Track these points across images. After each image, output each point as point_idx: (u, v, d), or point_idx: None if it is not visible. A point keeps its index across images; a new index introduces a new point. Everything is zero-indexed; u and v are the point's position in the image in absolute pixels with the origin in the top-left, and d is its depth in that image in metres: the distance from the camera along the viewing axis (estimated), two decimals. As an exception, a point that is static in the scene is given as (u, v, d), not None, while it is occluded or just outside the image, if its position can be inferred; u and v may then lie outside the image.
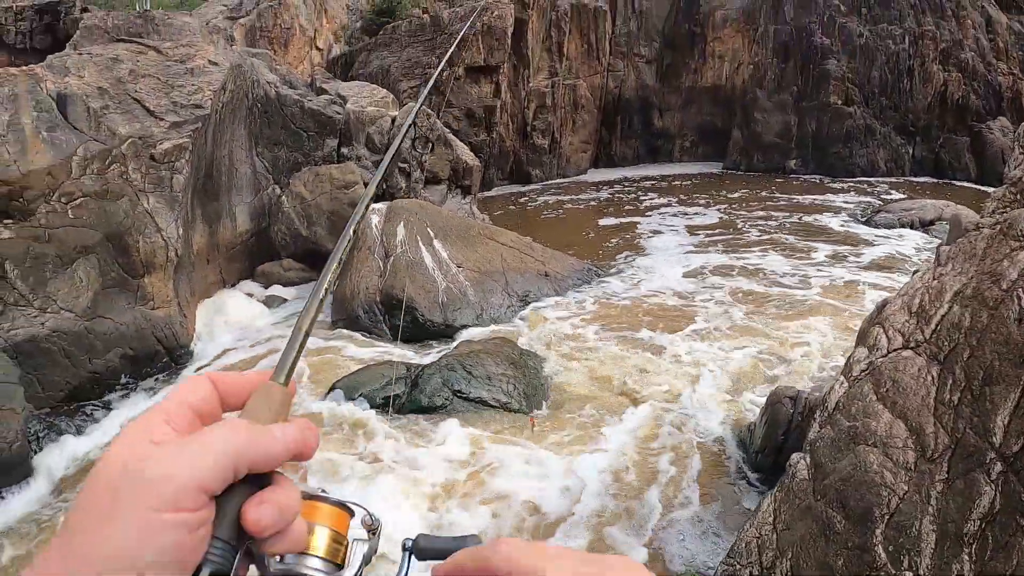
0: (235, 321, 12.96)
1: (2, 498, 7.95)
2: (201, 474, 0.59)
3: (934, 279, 6.42)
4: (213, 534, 0.60)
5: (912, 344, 6.01)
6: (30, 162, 10.26)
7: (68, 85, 11.41)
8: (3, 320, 9.63)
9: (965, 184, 25.67)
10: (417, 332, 12.09)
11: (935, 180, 26.40)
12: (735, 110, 28.86)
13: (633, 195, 24.87)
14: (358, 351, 11.44)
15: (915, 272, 7.97)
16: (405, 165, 16.80)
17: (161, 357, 11.40)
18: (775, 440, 7.97)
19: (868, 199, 23.22)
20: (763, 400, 8.72)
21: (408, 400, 9.51)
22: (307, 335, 0.75)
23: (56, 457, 8.80)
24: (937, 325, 5.90)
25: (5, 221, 9.95)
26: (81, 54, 12.54)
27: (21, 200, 10.07)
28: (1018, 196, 6.22)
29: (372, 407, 9.38)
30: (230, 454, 0.61)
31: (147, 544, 0.57)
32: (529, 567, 0.61)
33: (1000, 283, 5.45)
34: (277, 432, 0.66)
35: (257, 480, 0.64)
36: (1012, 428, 4.76)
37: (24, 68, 11.68)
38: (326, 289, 0.83)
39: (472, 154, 18.37)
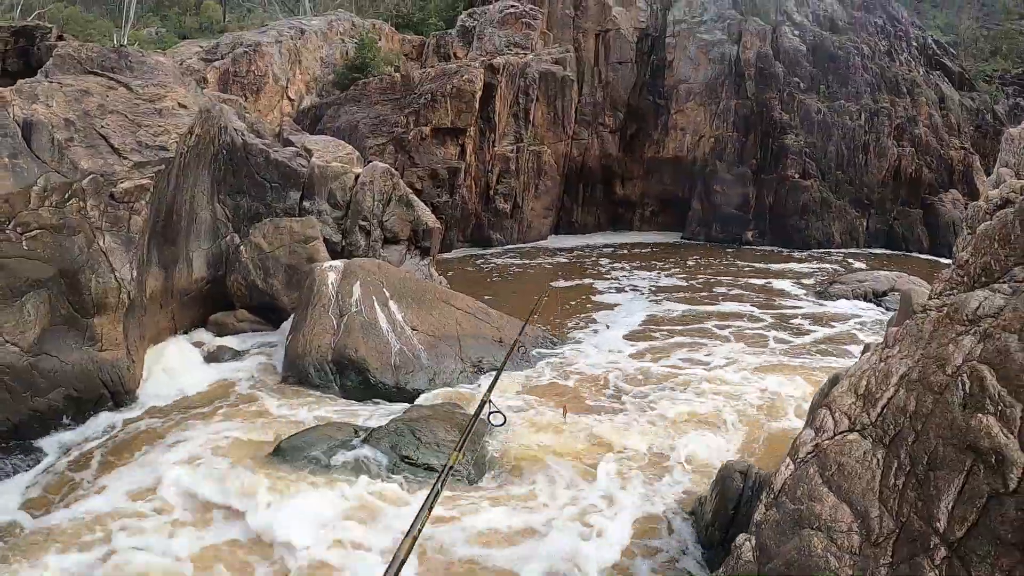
0: (175, 371, 12.61)
1: None
2: None
3: (881, 361, 6.48)
4: None
5: (858, 427, 6.02)
6: None
7: (35, 112, 11.23)
8: None
9: (918, 255, 26.56)
10: (368, 392, 11.90)
11: (889, 251, 27.23)
12: (695, 181, 29.49)
13: (592, 261, 25.08)
14: (304, 411, 11.20)
15: (864, 350, 8.05)
16: (365, 223, 16.77)
17: (106, 401, 11.07)
18: (725, 515, 7.88)
19: (822, 270, 23.67)
20: (709, 474, 8.67)
21: (356, 465, 9.27)
22: (410, 551, 0.87)
23: None
24: (883, 408, 5.93)
25: None
26: (51, 82, 12.38)
27: None
28: (964, 279, 6.33)
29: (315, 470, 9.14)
30: None
31: None
32: None
33: (945, 368, 5.50)
34: None
35: None
36: (956, 513, 4.75)
37: (-7, 90, 11.48)
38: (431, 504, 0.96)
39: (433, 216, 18.43)
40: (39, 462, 9.63)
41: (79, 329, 10.83)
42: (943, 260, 22.25)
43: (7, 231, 10.11)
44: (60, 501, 8.68)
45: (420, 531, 0.92)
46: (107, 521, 8.18)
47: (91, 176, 11.19)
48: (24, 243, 10.24)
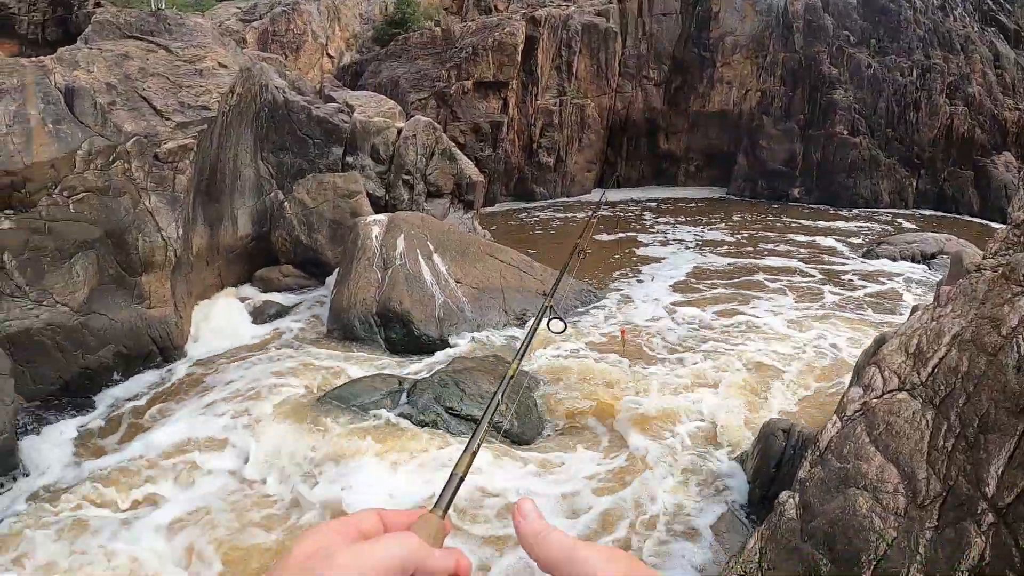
0: (222, 327, 12.88)
1: None
2: (376, 572, 0.70)
3: (933, 320, 6.37)
4: None
5: (908, 387, 5.94)
6: (34, 154, 10.23)
7: (77, 79, 11.40)
8: None
9: (968, 218, 25.67)
10: (412, 345, 12.04)
11: (938, 213, 26.41)
12: (741, 136, 28.92)
13: (636, 215, 24.91)
14: (349, 363, 11.38)
15: (913, 311, 7.92)
16: (409, 177, 16.80)
17: (155, 357, 11.35)
18: (767, 473, 7.88)
19: (870, 229, 23.19)
20: (754, 428, 8.66)
21: (400, 415, 9.43)
22: (463, 479, 0.94)
23: (44, 453, 8.74)
24: (934, 369, 5.84)
25: (6, 212, 9.90)
26: (91, 49, 12.55)
27: (23, 191, 10.04)
28: (1021, 238, 6.18)
29: (361, 419, 9.31)
30: (401, 558, 0.72)
31: None
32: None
33: (1000, 329, 5.39)
34: (437, 552, 0.78)
35: None
36: (1006, 479, 4.68)
37: (34, 59, 11.67)
38: (481, 439, 1.04)
39: (476, 169, 18.38)
40: (90, 416, 9.93)
41: (127, 288, 11.08)
42: (994, 224, 21.52)
43: (54, 195, 10.34)
44: (110, 452, 8.96)
45: (479, 446, 0.98)
46: (155, 468, 8.47)
47: (135, 138, 11.36)
48: (71, 206, 10.48)
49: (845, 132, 27.21)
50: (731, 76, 29.08)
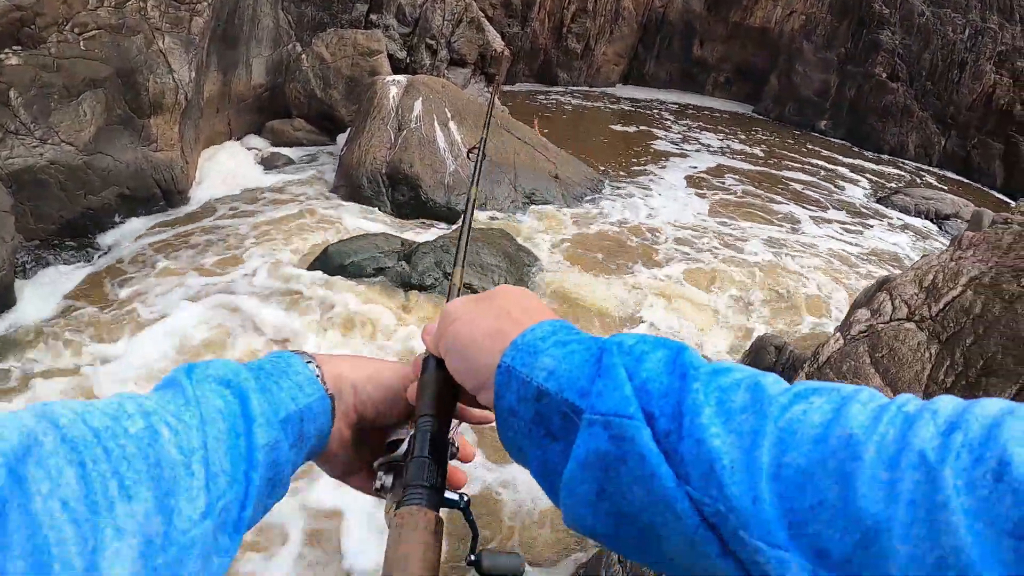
0: (228, 174, 12.64)
1: None
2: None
3: (951, 260, 6.23)
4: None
5: (916, 318, 5.86)
6: None
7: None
8: (1, 148, 9.21)
9: (990, 190, 24.95)
10: (417, 210, 11.88)
11: (961, 179, 25.67)
12: (778, 56, 27.94)
13: (658, 115, 24.34)
14: (353, 219, 11.24)
15: (924, 256, 7.75)
16: (432, 42, 16.21)
17: (158, 200, 11.14)
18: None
19: (889, 175, 22.73)
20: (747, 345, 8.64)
21: (398, 276, 9.35)
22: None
23: (40, 292, 8.67)
24: (946, 305, 5.75)
25: (14, 48, 9.39)
26: None
27: (33, 27, 9.50)
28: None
29: (359, 276, 9.24)
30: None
31: None
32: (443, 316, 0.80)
33: (1021, 280, 5.29)
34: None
35: None
36: (1001, 420, 4.66)
37: None
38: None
39: (503, 43, 17.72)
40: (91, 258, 9.80)
41: (134, 129, 10.74)
42: (1013, 202, 20.99)
43: (64, 32, 9.82)
44: (109, 293, 8.88)
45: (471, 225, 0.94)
46: (151, 309, 8.45)
47: (152, -25, 10.80)
48: (82, 44, 9.98)
49: (884, 75, 26.21)
50: (779, -8, 27.87)
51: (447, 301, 0.96)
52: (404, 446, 0.83)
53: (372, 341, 8.13)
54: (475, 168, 1.56)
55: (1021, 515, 0.42)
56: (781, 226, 14.59)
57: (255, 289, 8.91)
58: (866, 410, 0.53)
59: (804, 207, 16.60)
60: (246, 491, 0.69)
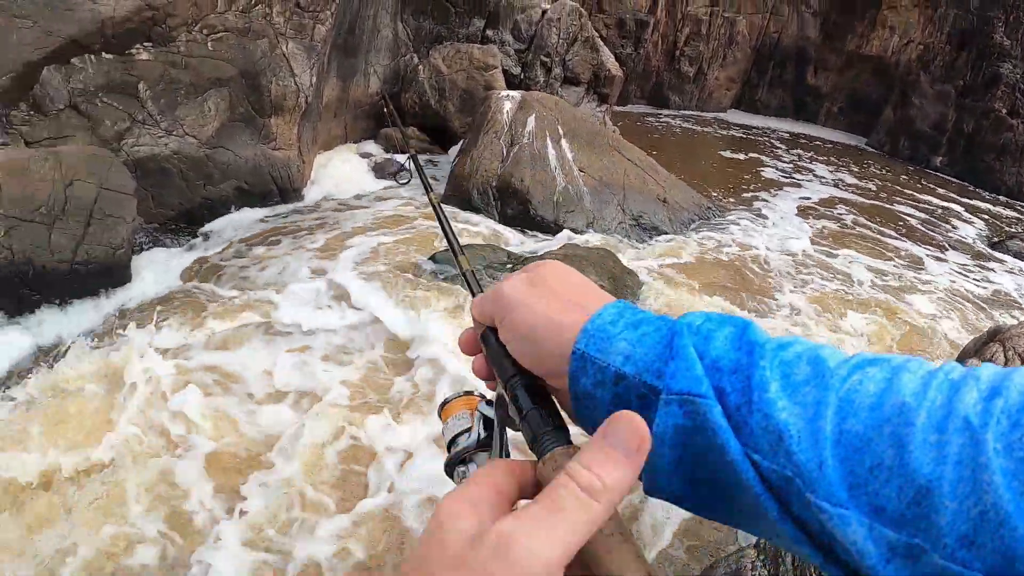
0: (342, 176, 13.16)
1: (100, 297, 8.42)
2: (567, 550, 0.54)
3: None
4: None
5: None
6: None
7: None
8: (129, 136, 9.91)
9: None
10: (525, 224, 12.02)
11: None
12: (893, 88, 27.03)
13: (770, 144, 23.87)
14: (464, 227, 11.45)
15: None
16: (547, 60, 16.40)
17: (273, 196, 11.71)
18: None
19: (1009, 219, 21.52)
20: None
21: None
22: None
23: (154, 270, 9.25)
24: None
25: (145, 44, 10.05)
26: None
27: (164, 26, 10.13)
28: None
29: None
30: (591, 523, 0.55)
31: None
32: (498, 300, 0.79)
33: None
34: None
35: None
36: None
37: None
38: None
39: (617, 64, 17.77)
40: (205, 242, 10.37)
41: (255, 127, 11.31)
42: None
43: (193, 32, 10.42)
44: (221, 276, 9.35)
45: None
46: (263, 295, 8.83)
47: (279, -17, 11.35)
48: (209, 44, 10.58)
49: (1004, 110, 24.88)
50: (895, 21, 26.93)
51: (467, 287, 1.06)
52: (471, 435, 0.83)
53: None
54: (412, 174, 1.74)
55: None
56: (893, 261, 14.07)
57: (364, 277, 9.19)
58: (916, 378, 0.59)
59: (918, 244, 15.97)
60: None
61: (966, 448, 0.52)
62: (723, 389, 0.63)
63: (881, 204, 19.05)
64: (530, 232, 11.91)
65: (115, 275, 8.62)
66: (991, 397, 0.54)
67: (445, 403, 0.89)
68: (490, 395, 0.88)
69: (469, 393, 0.90)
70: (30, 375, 6.93)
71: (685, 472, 0.66)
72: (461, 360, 7.79)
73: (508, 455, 0.80)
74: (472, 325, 0.86)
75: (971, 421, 0.53)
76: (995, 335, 6.44)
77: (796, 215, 15.80)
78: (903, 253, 15.05)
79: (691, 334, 0.67)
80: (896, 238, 15.94)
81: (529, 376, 0.76)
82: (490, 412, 0.85)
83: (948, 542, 0.50)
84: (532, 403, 0.74)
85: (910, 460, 0.54)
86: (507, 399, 0.78)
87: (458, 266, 1.17)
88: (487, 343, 0.83)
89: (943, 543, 0.51)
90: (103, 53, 9.67)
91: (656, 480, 0.68)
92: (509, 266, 9.86)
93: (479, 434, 0.84)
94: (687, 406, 0.64)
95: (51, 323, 7.88)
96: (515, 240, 11.52)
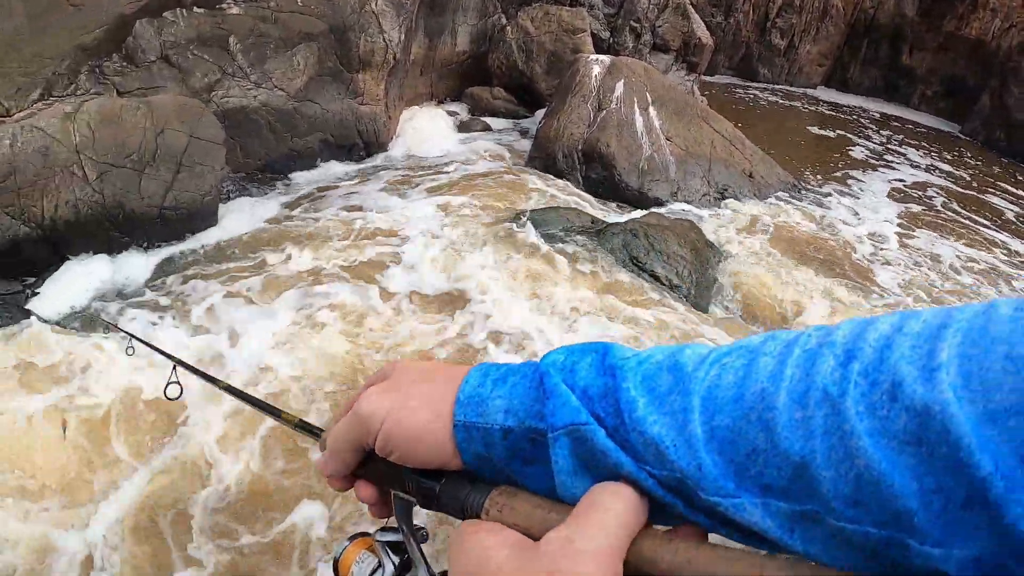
0: (427, 133, 13.24)
1: (188, 239, 8.78)
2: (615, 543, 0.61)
3: None
4: None
5: None
6: None
7: None
8: (219, 87, 10.15)
9: None
10: (609, 191, 11.95)
11: None
12: (992, 73, 25.82)
13: (860, 124, 23.15)
14: (547, 189, 11.43)
15: None
16: (637, 25, 16.15)
17: (359, 150, 11.91)
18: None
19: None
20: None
21: (585, 249, 9.45)
22: None
23: (240, 216, 9.56)
24: None
25: None
26: None
27: None
28: None
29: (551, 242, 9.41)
30: (627, 527, 0.63)
31: None
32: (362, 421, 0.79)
33: None
34: None
35: None
36: None
37: None
38: None
39: (707, 32, 17.40)
40: (289, 190, 10.67)
41: (343, 82, 11.47)
42: None
43: None
44: (307, 214, 9.60)
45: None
46: (353, 228, 9.12)
47: (368, -60, 11.38)
48: (300, 0, 10.70)
49: None
50: (997, 3, 25.60)
51: (306, 433, 1.08)
52: (385, 570, 0.83)
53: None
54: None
55: (916, 425, 0.49)
56: (990, 252, 13.57)
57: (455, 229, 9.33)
58: (772, 360, 0.61)
59: (1014, 238, 15.36)
60: None
61: (830, 418, 0.53)
62: (599, 415, 0.66)
63: (975, 194, 18.34)
64: (612, 203, 11.83)
65: (203, 220, 8.95)
66: (847, 362, 0.56)
67: (337, 560, 0.87)
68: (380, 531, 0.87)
69: (358, 536, 0.88)
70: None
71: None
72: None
73: (430, 568, 0.79)
74: (325, 467, 0.85)
75: (830, 391, 0.55)
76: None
77: (887, 196, 15.37)
78: (999, 243, 14.52)
79: (557, 371, 0.70)
80: (992, 229, 15.36)
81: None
82: (392, 536, 0.84)
83: (835, 506, 0.52)
84: (439, 478, 0.75)
85: (780, 441, 0.56)
86: (413, 496, 0.78)
87: (286, 422, 1.15)
88: (368, 464, 0.82)
89: (831, 507, 0.53)
90: (194, 7, 9.90)
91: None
92: (593, 230, 9.83)
93: (393, 562, 0.83)
94: (574, 435, 0.66)
95: (137, 264, 8.25)
96: (597, 206, 11.46)
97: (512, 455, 0.71)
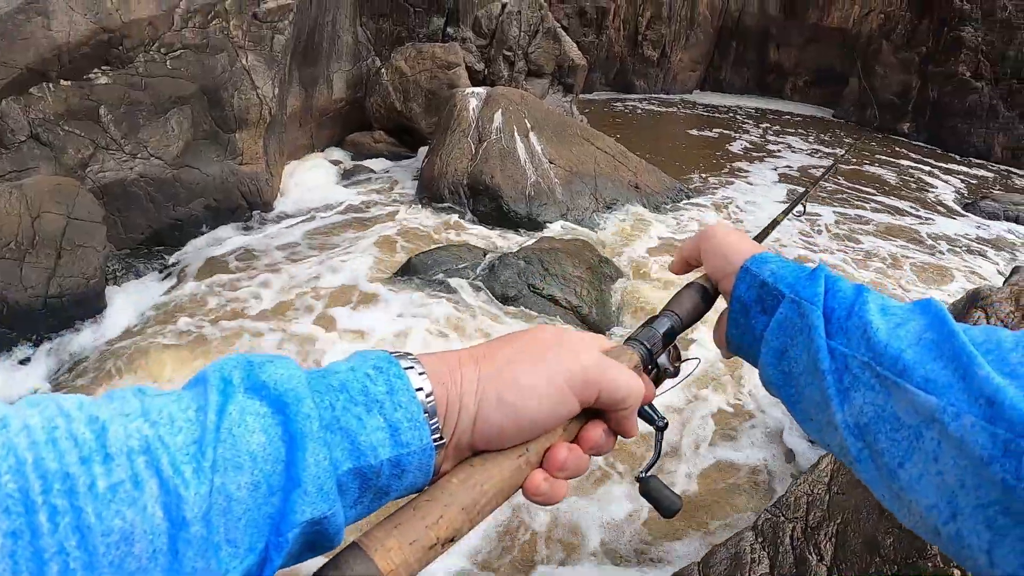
0: (312, 185, 13.05)
1: (77, 329, 8.24)
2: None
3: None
4: None
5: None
6: (132, 11, 10.02)
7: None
8: (93, 162, 9.72)
9: None
10: (499, 221, 11.93)
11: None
12: (856, 58, 27.14)
13: (738, 121, 23.97)
14: (435, 230, 11.40)
15: (1014, 272, 7.35)
16: (510, 54, 16.33)
17: (244, 211, 11.53)
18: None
19: (977, 178, 21.62)
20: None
21: (483, 285, 9.40)
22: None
23: (129, 297, 9.09)
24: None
25: (103, 68, 9.86)
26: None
27: (120, 48, 9.94)
28: None
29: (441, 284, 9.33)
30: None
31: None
32: (703, 234, 1.18)
33: None
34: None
35: None
36: None
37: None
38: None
39: (580, 53, 17.73)
40: (178, 264, 10.19)
41: (220, 144, 11.15)
42: None
43: (151, 52, 10.22)
44: (198, 296, 9.21)
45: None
46: (234, 308, 8.79)
47: (234, -3, 11.20)
48: (168, 63, 10.39)
49: (967, 74, 24.91)
50: (855, -8, 27.12)
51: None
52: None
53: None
54: None
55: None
56: (884, 214, 14.23)
57: (350, 284, 9.17)
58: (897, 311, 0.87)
59: (901, 201, 16.14)
60: (260, 569, 0.57)
61: (917, 322, 0.82)
62: (833, 308, 0.89)
63: (856, 167, 19.17)
64: (507, 230, 11.81)
65: (89, 306, 8.44)
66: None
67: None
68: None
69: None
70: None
71: (784, 365, 0.92)
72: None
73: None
74: (680, 258, 1.23)
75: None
76: (976, 300, 6.45)
77: (777, 182, 15.94)
78: (890, 208, 15.22)
79: (825, 275, 0.94)
80: (882, 195, 16.14)
81: (681, 325, 1.06)
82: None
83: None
84: (661, 330, 1.02)
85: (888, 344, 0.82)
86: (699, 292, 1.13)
87: None
88: (689, 285, 1.14)
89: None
90: (61, 80, 9.48)
91: (766, 369, 0.96)
92: (486, 264, 9.81)
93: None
94: (801, 307, 0.91)
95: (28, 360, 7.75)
96: (489, 239, 11.44)
97: (759, 300, 0.97)
